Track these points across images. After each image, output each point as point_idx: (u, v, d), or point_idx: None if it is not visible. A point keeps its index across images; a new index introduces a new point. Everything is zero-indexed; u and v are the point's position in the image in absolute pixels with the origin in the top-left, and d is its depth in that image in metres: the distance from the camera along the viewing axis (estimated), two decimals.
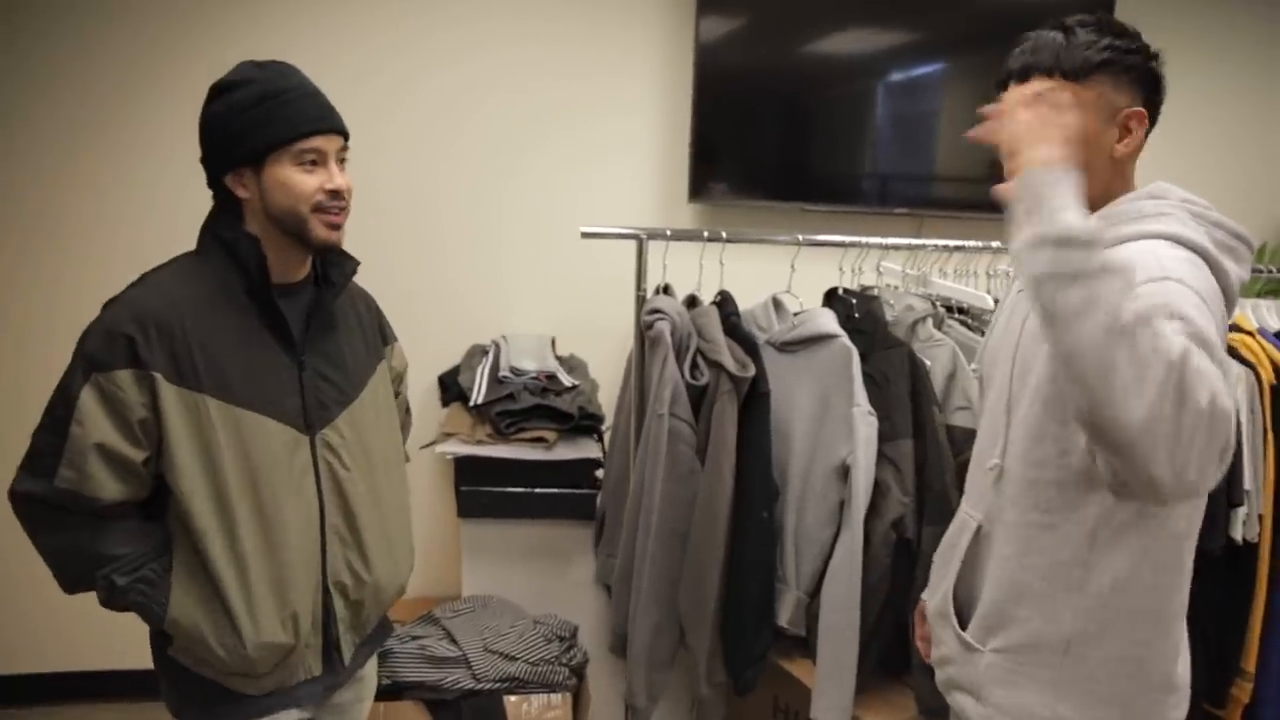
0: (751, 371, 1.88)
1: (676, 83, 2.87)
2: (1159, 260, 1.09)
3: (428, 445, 2.38)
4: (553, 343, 2.83)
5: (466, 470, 2.33)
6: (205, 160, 1.36)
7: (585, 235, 2.03)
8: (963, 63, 2.90)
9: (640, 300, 2.08)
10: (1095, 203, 1.21)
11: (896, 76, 2.87)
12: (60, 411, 1.27)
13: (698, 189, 2.83)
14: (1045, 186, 1.00)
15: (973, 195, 2.96)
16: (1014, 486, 1.25)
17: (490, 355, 2.64)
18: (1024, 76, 1.22)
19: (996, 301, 1.99)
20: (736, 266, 2.21)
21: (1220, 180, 3.31)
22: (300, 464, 1.37)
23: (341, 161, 1.38)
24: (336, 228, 1.36)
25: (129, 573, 1.30)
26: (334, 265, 1.45)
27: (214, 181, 1.36)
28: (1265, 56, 3.33)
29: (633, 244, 2.07)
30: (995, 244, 2.14)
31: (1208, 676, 2.07)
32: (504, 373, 2.49)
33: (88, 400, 1.26)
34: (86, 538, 1.30)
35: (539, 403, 2.40)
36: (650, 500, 1.92)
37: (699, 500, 1.93)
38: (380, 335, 1.60)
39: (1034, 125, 1.06)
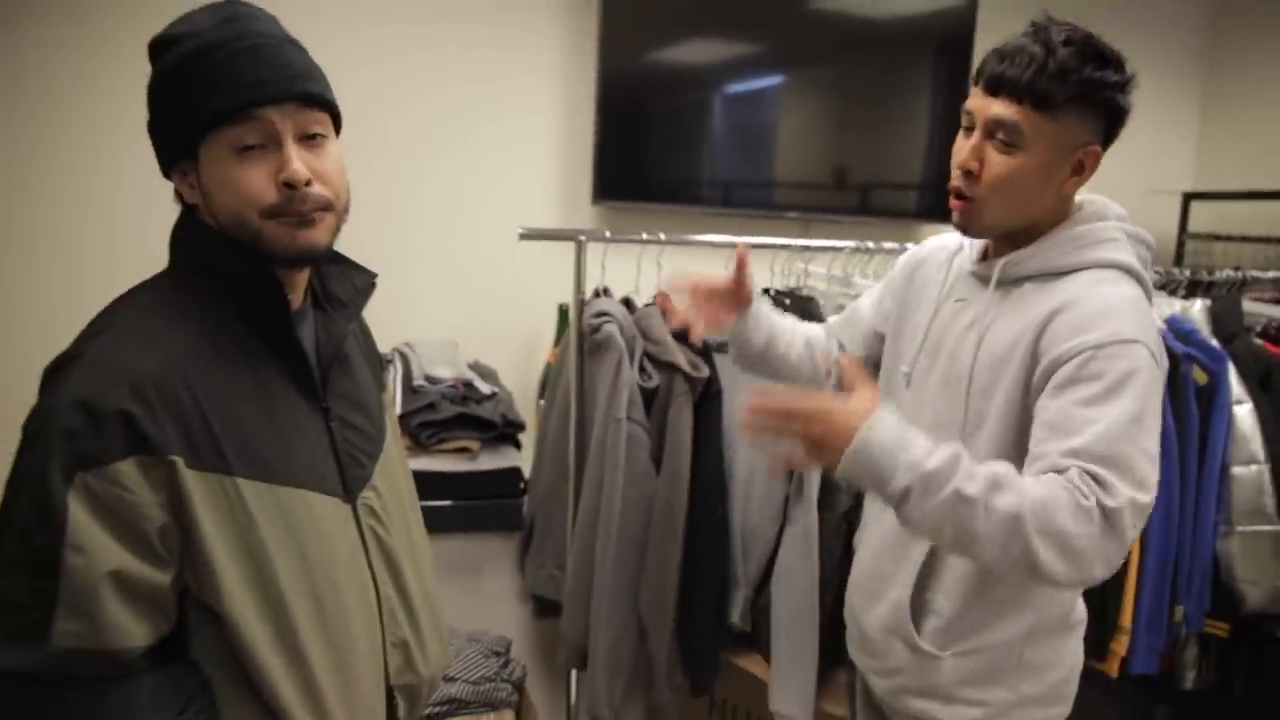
0: (706, 372, 1.89)
1: (577, 85, 2.84)
2: (1119, 313, 1.13)
3: None
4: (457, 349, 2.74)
5: None
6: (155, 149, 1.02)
7: (525, 236, 1.98)
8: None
9: (580, 304, 2.05)
10: (1032, 231, 1.23)
11: (789, 83, 2.97)
12: (38, 539, 0.85)
13: (602, 190, 2.81)
14: (867, 465, 1.06)
15: (864, 202, 3.14)
16: None
17: (399, 364, 2.51)
18: (993, 91, 1.17)
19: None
20: (651, 270, 2.16)
21: None
22: (350, 543, 1.04)
23: (313, 139, 0.97)
24: (307, 224, 0.96)
25: None
26: (337, 279, 1.10)
27: (169, 178, 1.01)
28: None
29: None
30: (911, 245, 2.24)
31: (1095, 635, 2.25)
32: (418, 381, 2.37)
33: (79, 513, 0.85)
34: (110, 717, 0.89)
35: (461, 411, 2.31)
36: (610, 507, 1.89)
37: (655, 504, 1.92)
38: (376, 355, 1.26)
39: (817, 437, 1.08)
